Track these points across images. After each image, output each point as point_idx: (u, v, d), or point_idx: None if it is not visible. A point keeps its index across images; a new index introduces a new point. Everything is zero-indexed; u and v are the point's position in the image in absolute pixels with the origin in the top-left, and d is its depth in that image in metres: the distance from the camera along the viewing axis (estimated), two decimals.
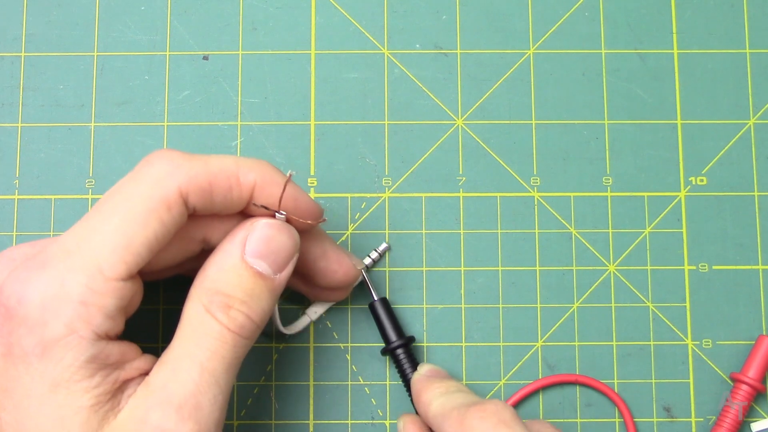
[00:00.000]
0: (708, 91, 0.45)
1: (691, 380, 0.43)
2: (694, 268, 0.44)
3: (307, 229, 0.38)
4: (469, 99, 0.45)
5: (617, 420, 0.42)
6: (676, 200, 0.44)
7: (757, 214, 0.44)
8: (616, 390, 0.43)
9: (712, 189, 0.44)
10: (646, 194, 0.44)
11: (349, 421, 0.42)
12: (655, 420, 0.43)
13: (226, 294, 0.33)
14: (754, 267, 0.44)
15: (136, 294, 0.33)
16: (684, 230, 0.44)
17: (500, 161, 0.45)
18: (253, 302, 0.34)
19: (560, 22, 0.46)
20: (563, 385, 0.43)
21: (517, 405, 0.42)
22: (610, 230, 0.44)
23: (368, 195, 0.44)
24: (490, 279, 0.44)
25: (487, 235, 0.44)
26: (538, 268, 0.44)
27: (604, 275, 0.44)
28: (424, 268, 0.44)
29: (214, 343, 0.33)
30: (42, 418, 0.31)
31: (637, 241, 0.44)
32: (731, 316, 0.43)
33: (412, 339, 0.42)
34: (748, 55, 0.46)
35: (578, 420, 0.42)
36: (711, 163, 0.45)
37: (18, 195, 0.44)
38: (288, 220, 0.36)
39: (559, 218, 0.44)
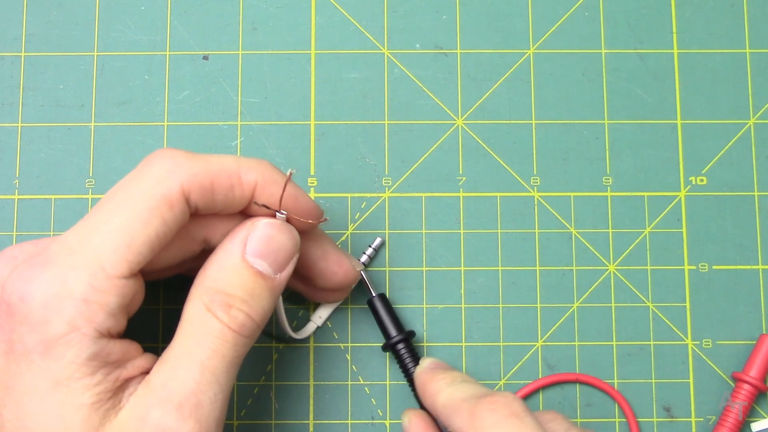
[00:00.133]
0: (708, 91, 0.45)
1: (691, 380, 0.43)
2: (694, 268, 0.44)
3: (308, 229, 0.38)
4: (469, 99, 0.45)
5: (617, 420, 0.42)
6: (676, 200, 0.44)
7: (757, 214, 0.44)
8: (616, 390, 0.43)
9: (712, 189, 0.44)
10: (646, 194, 0.44)
11: (349, 421, 0.42)
12: (655, 420, 0.43)
13: (227, 293, 0.33)
14: (754, 267, 0.44)
15: (138, 292, 0.33)
16: (684, 230, 0.44)
17: (500, 161, 0.45)
18: (254, 301, 0.34)
19: (560, 22, 0.46)
20: (563, 385, 0.43)
21: None
22: (610, 230, 0.44)
23: (368, 195, 0.44)
24: (490, 279, 0.44)
25: (487, 235, 0.44)
26: (538, 268, 0.44)
27: (604, 275, 0.44)
28: (424, 268, 0.44)
29: (214, 342, 0.33)
30: (43, 416, 0.31)
31: (637, 241, 0.44)
32: (731, 316, 0.43)
33: (412, 333, 0.42)
34: (748, 55, 0.46)
35: (578, 420, 0.42)
36: (711, 163, 0.45)
37: (18, 195, 0.44)
38: (289, 220, 0.36)
39: (559, 218, 0.44)
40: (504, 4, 0.46)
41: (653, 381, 0.43)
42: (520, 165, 0.45)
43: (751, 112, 0.45)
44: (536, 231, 0.44)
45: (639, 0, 0.46)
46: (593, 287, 0.44)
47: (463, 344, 0.43)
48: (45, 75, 0.45)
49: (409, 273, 0.44)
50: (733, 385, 0.43)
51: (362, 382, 0.43)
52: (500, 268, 0.44)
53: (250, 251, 0.34)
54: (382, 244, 0.44)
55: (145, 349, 0.34)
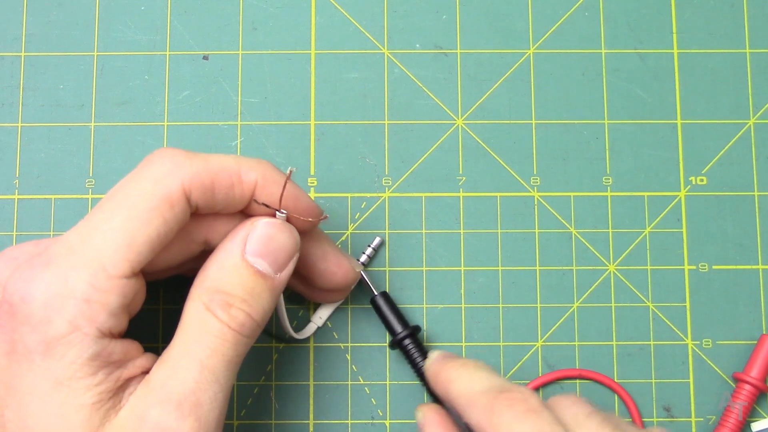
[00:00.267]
0: (708, 91, 0.45)
1: (691, 380, 0.43)
2: (694, 267, 0.44)
3: (308, 228, 0.38)
4: (469, 99, 0.45)
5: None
6: (676, 200, 0.44)
7: (757, 214, 0.44)
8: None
9: (712, 189, 0.44)
10: (646, 194, 0.44)
11: (349, 421, 0.42)
12: (655, 420, 0.43)
13: (227, 292, 0.33)
14: (754, 267, 0.44)
15: (139, 292, 0.33)
16: (684, 230, 0.44)
17: (500, 161, 0.45)
18: (254, 301, 0.34)
19: (560, 22, 0.46)
20: (564, 383, 0.43)
21: None
22: (610, 230, 0.44)
23: (368, 195, 0.44)
24: (490, 279, 0.44)
25: (487, 235, 0.44)
26: (538, 268, 0.44)
27: (604, 275, 0.44)
28: (424, 268, 0.44)
29: (214, 341, 0.33)
30: (44, 416, 0.31)
31: (637, 240, 0.44)
32: (731, 316, 0.43)
33: (418, 328, 0.42)
34: (748, 55, 0.46)
35: None
36: (711, 163, 0.45)
37: (18, 195, 0.44)
38: (289, 220, 0.36)
39: (559, 218, 0.44)
40: (504, 4, 0.46)
41: (653, 381, 0.43)
42: (520, 165, 0.45)
43: (751, 112, 0.45)
44: (536, 231, 0.44)
45: (639, 0, 0.46)
46: (593, 287, 0.44)
47: (463, 344, 0.43)
48: (45, 75, 0.45)
49: (409, 273, 0.44)
50: (733, 385, 0.43)
51: (362, 382, 0.43)
52: (500, 268, 0.44)
53: (250, 251, 0.34)
54: (382, 244, 0.44)
55: (146, 349, 0.34)
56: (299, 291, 0.42)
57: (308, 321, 0.43)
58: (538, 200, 0.44)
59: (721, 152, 0.45)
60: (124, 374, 0.32)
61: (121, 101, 0.45)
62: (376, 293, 0.42)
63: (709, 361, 0.43)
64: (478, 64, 0.45)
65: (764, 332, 0.43)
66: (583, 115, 0.45)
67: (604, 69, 0.45)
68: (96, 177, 0.44)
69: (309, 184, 0.44)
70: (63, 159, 0.44)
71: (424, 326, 0.43)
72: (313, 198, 0.43)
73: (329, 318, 0.43)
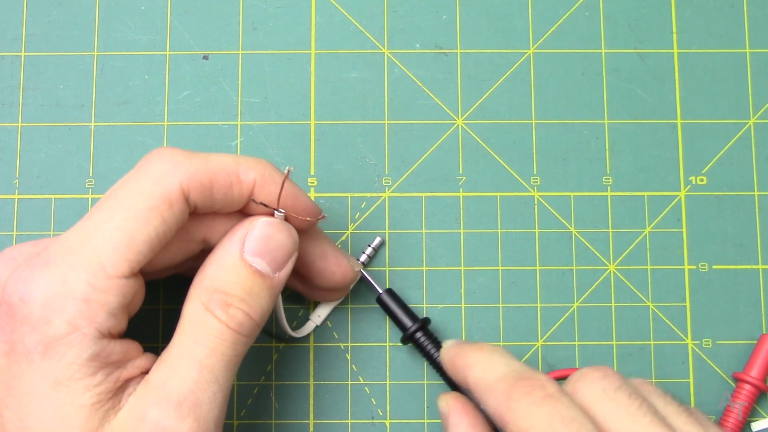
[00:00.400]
0: (708, 91, 0.45)
1: (691, 380, 0.43)
2: (694, 267, 0.44)
3: (307, 228, 0.38)
4: (469, 99, 0.45)
5: None
6: (676, 200, 0.44)
7: (757, 214, 0.44)
8: None
9: (712, 189, 0.44)
10: (646, 194, 0.44)
11: (349, 421, 0.42)
12: None
13: (225, 292, 0.33)
14: (754, 267, 0.44)
15: (138, 292, 0.33)
16: (684, 230, 0.44)
17: (500, 161, 0.45)
18: (252, 300, 0.34)
19: (560, 22, 0.46)
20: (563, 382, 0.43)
21: None
22: (610, 230, 0.44)
23: (368, 195, 0.44)
24: (490, 279, 0.44)
25: (487, 235, 0.44)
26: (538, 267, 0.44)
27: (604, 275, 0.44)
28: (424, 268, 0.44)
29: (213, 341, 0.33)
30: (43, 416, 0.31)
31: (637, 240, 0.44)
32: (731, 316, 0.43)
33: (427, 320, 0.42)
34: (748, 55, 0.46)
35: None
36: (711, 163, 0.45)
37: (18, 195, 0.44)
38: (287, 219, 0.36)
39: (559, 218, 0.44)
40: (504, 4, 0.46)
41: (653, 381, 0.43)
42: (520, 165, 0.45)
43: (751, 112, 0.45)
44: (536, 231, 0.44)
45: (639, 0, 0.46)
46: (593, 287, 0.44)
47: None
48: (45, 75, 0.45)
49: (409, 273, 0.44)
50: (733, 385, 0.43)
51: (362, 381, 0.43)
52: (500, 268, 0.44)
53: (249, 250, 0.34)
54: (382, 244, 0.44)
55: (145, 349, 0.34)
56: (298, 290, 0.42)
57: (307, 320, 0.43)
58: (538, 200, 0.44)
59: (721, 152, 0.45)
60: (123, 375, 0.32)
61: (121, 101, 0.45)
62: (381, 291, 0.42)
63: (709, 361, 0.43)
64: (478, 64, 0.45)
65: (764, 332, 0.43)
66: (583, 115, 0.45)
67: (604, 69, 0.45)
68: (96, 177, 0.44)
69: (309, 184, 0.44)
70: (63, 159, 0.44)
71: None
72: (313, 198, 0.43)
73: (328, 317, 0.43)
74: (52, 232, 0.43)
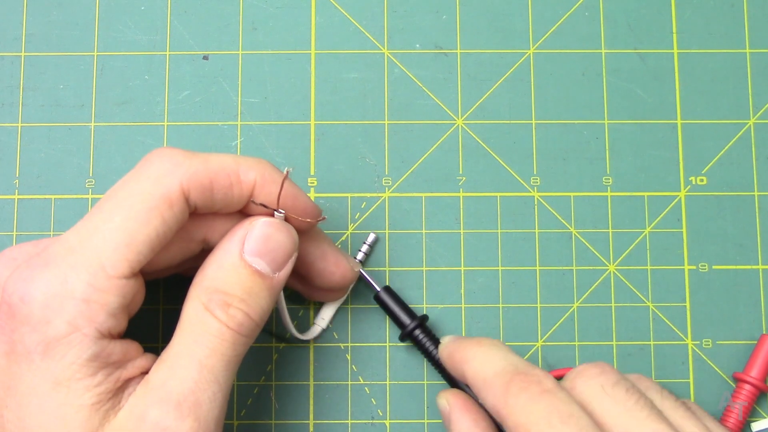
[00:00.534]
0: (708, 91, 0.45)
1: (691, 380, 0.43)
2: (694, 267, 0.44)
3: (307, 228, 0.38)
4: (469, 99, 0.45)
5: None
6: (676, 200, 0.44)
7: (757, 214, 0.44)
8: None
9: (712, 189, 0.44)
10: (646, 194, 0.44)
11: (349, 421, 0.42)
12: None
13: (225, 292, 0.33)
14: (754, 267, 0.44)
15: (139, 292, 0.33)
16: (684, 230, 0.44)
17: (500, 161, 0.45)
18: (252, 300, 0.34)
19: (560, 22, 0.46)
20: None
21: None
22: (610, 230, 0.44)
23: (368, 195, 0.44)
24: (490, 279, 0.44)
25: (487, 235, 0.44)
26: (538, 268, 0.44)
27: (604, 275, 0.44)
28: (424, 268, 0.44)
29: (213, 341, 0.33)
30: (43, 416, 0.31)
31: (637, 241, 0.44)
32: (731, 316, 0.43)
33: (426, 317, 0.42)
34: (748, 55, 0.46)
35: None
36: (711, 163, 0.45)
37: (18, 195, 0.44)
38: (287, 219, 0.36)
39: (559, 218, 0.44)
40: (504, 4, 0.46)
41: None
42: (520, 165, 0.45)
43: (751, 112, 0.45)
44: (536, 231, 0.44)
45: (639, 0, 0.46)
46: (593, 287, 0.44)
47: None
48: (45, 75, 0.45)
49: (409, 273, 0.44)
50: (733, 385, 0.43)
51: (362, 382, 0.43)
52: (500, 268, 0.44)
53: (248, 250, 0.34)
54: (377, 240, 0.44)
55: (145, 349, 0.34)
56: (298, 290, 0.42)
57: (309, 320, 0.43)
58: (538, 200, 0.44)
59: (721, 152, 0.45)
60: (123, 375, 0.32)
61: (121, 101, 0.45)
62: (378, 289, 0.42)
63: (709, 361, 0.43)
64: (478, 64, 0.45)
65: (764, 332, 0.43)
66: (583, 115, 0.45)
67: (604, 69, 0.45)
68: (96, 177, 0.44)
69: (309, 184, 0.44)
70: (63, 159, 0.44)
71: None
72: (313, 198, 0.43)
73: (332, 318, 0.43)
74: (52, 232, 0.43)
